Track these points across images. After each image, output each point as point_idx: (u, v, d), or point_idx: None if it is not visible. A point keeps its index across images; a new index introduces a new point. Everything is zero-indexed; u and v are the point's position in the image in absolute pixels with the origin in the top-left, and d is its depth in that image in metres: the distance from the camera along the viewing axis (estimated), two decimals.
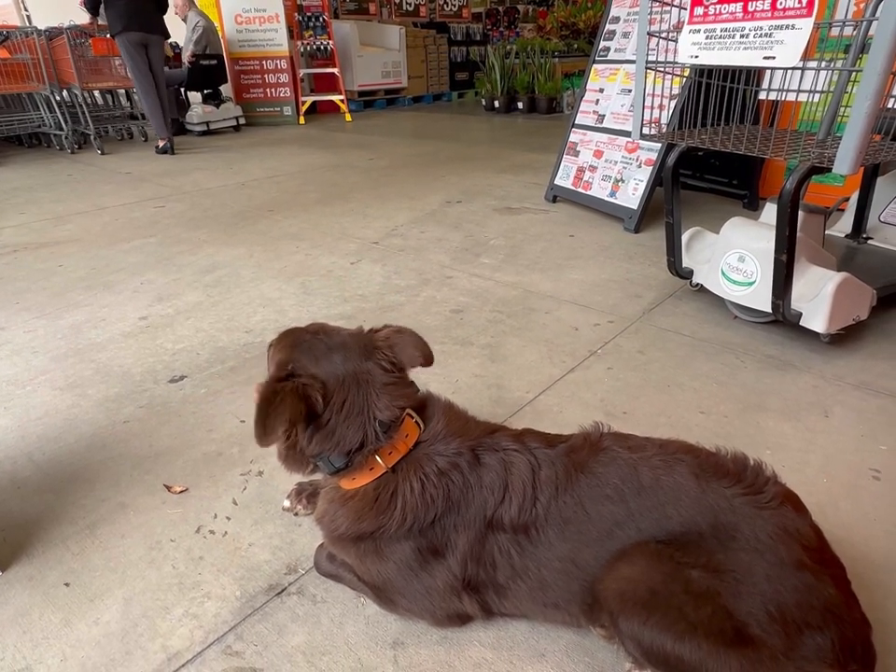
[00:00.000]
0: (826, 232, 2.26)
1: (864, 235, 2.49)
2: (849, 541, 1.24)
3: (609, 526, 0.95)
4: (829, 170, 1.60)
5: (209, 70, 7.16)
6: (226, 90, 7.78)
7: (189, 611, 1.15)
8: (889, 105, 1.70)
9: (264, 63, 8.01)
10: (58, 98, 6.17)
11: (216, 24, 7.67)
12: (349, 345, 1.04)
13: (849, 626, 0.85)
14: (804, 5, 1.48)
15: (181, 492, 1.46)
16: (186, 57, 7.10)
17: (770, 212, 2.12)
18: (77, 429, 1.71)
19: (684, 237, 2.36)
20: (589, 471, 0.99)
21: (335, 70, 8.21)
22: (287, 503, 1.37)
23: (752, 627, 0.83)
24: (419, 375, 1.10)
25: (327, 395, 0.98)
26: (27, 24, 7.05)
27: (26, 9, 7.53)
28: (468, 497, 1.01)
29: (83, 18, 6.28)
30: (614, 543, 0.95)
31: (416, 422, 1.05)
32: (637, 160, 3.34)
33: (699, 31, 1.76)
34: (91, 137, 6.13)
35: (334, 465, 1.03)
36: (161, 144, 5.98)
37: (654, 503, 0.94)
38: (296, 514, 1.36)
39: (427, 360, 1.07)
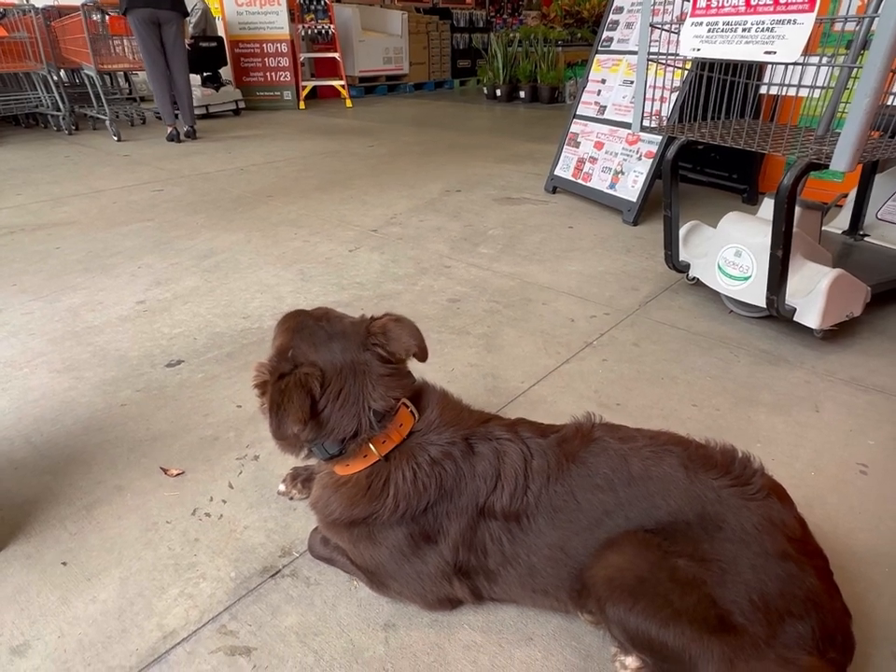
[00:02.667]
0: (823, 228, 2.27)
1: (861, 232, 2.50)
2: (834, 534, 1.26)
3: (598, 515, 0.97)
4: (826, 166, 1.61)
5: (208, 53, 7.09)
6: (226, 73, 7.71)
7: (184, 591, 1.17)
8: (889, 102, 1.71)
9: (265, 46, 7.93)
10: (55, 78, 6.08)
11: (216, 7, 7.58)
12: (349, 334, 1.04)
13: (830, 615, 0.87)
14: (805, 0, 1.47)
15: (177, 475, 1.47)
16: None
17: (768, 207, 2.12)
18: (75, 412, 1.72)
19: (682, 231, 2.36)
20: (580, 461, 1.01)
21: (336, 55, 8.14)
22: (282, 487, 1.39)
23: (735, 615, 0.85)
24: (416, 364, 1.11)
25: (324, 383, 0.99)
26: (25, 2, 6.95)
27: None
28: (460, 486, 1.02)
29: None
30: (603, 532, 0.96)
31: (411, 411, 1.06)
32: (638, 152, 3.33)
33: (701, 24, 1.75)
34: (108, 122, 5.89)
35: (328, 451, 1.04)
36: (169, 131, 5.70)
37: (643, 493, 0.96)
38: (291, 498, 1.38)
39: (422, 355, 1.08)
